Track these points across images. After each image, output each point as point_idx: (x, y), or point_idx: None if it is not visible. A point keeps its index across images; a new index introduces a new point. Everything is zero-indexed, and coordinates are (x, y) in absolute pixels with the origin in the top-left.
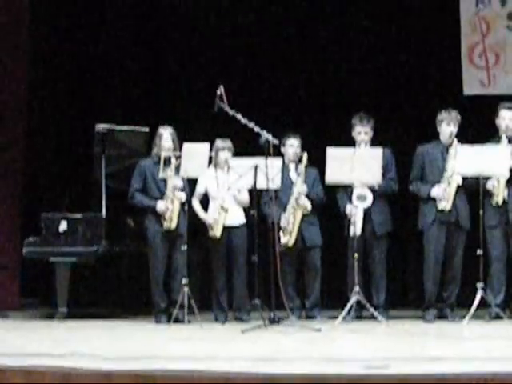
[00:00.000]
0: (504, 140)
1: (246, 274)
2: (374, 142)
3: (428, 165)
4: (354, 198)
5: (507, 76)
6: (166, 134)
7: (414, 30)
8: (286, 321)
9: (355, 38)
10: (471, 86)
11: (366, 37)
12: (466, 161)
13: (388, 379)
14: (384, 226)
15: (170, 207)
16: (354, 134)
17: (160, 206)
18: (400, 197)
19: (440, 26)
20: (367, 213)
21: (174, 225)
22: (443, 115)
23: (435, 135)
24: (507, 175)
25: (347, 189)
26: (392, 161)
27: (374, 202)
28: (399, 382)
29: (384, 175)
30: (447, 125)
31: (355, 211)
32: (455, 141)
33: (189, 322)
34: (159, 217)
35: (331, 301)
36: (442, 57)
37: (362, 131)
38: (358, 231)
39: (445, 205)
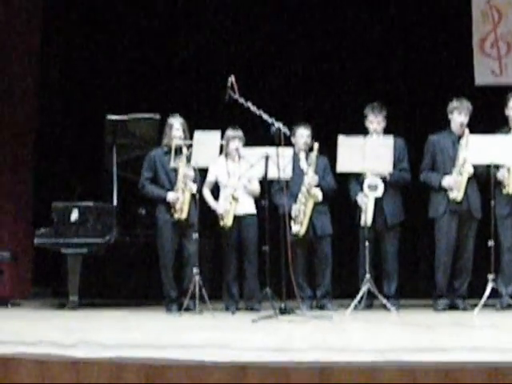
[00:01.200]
0: None
1: (257, 264)
2: (386, 131)
3: (439, 154)
4: (364, 187)
5: None
6: (177, 124)
7: (426, 20)
8: (297, 310)
9: (366, 28)
10: (483, 75)
11: (378, 27)
12: (477, 150)
13: (398, 368)
14: (396, 217)
15: (180, 198)
16: (367, 123)
17: (170, 196)
18: (411, 186)
19: (452, 15)
20: (379, 203)
21: (184, 215)
22: (454, 104)
23: (447, 125)
24: None
25: (359, 178)
26: (404, 150)
27: (386, 192)
28: (409, 370)
29: (396, 165)
30: (458, 114)
31: (366, 200)
32: (466, 130)
33: (200, 311)
34: (170, 207)
35: (342, 290)
36: (454, 46)
37: (375, 121)
38: (369, 220)
39: (456, 194)
